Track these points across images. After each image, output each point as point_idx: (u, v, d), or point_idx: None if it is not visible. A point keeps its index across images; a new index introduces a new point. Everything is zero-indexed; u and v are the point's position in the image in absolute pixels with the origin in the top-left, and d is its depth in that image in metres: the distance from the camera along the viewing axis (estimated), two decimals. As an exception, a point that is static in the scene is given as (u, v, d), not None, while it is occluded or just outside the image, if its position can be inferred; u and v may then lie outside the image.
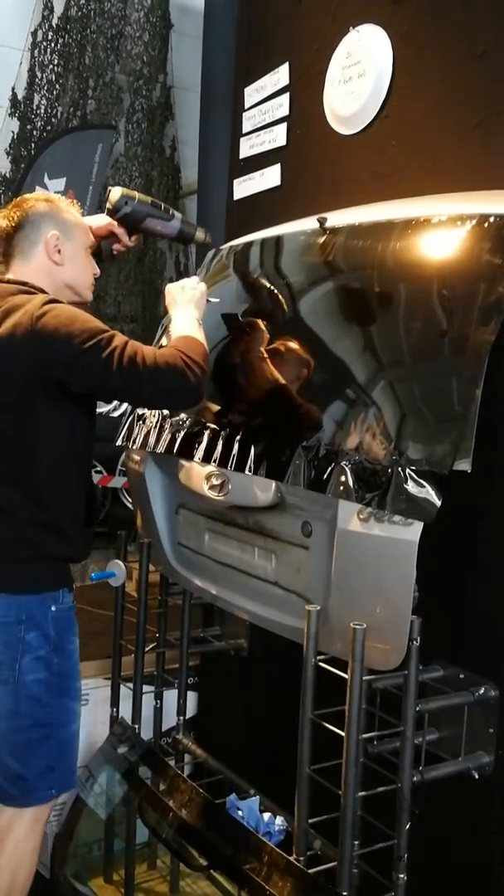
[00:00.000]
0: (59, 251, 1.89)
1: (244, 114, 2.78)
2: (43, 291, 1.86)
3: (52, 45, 6.08)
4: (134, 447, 2.30)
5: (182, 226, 2.13)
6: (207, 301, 2.03)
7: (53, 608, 1.86)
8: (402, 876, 1.59)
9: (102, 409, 5.20)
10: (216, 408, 2.05)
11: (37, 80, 6.04)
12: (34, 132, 6.02)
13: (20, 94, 5.97)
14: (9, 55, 5.93)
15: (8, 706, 1.83)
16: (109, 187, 2.15)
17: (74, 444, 1.87)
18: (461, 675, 1.74)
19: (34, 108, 6.03)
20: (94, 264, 2.01)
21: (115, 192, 2.09)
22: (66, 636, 1.89)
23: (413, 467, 1.44)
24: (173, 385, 1.74)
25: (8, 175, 5.87)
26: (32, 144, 5.93)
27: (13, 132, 5.94)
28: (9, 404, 1.79)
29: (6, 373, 1.77)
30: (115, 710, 2.61)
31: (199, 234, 2.16)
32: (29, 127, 6.00)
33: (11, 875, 1.86)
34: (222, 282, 2.33)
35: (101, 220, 2.08)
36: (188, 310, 1.95)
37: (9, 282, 1.87)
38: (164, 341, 2.11)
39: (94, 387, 1.79)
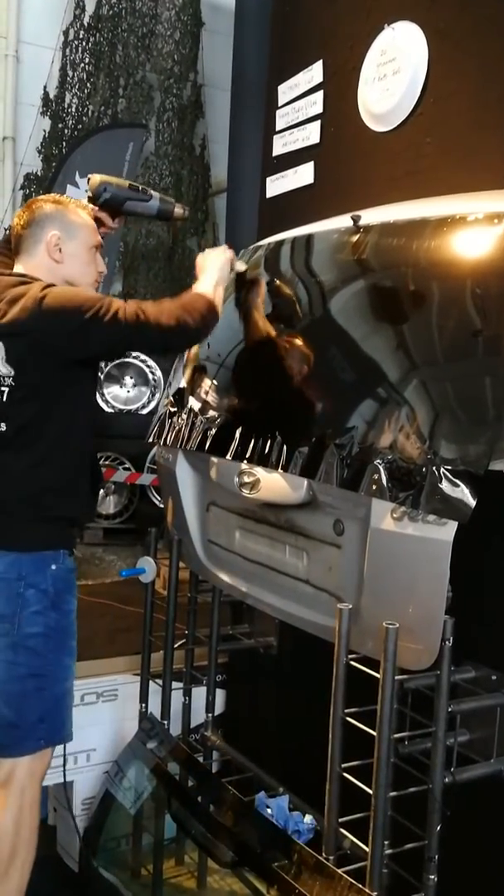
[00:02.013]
0: (59, 250, 2.04)
1: (277, 111, 2.77)
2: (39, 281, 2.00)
3: (84, 43, 6.09)
4: (165, 444, 2.31)
5: (160, 204, 2.23)
6: (232, 269, 2.15)
7: (53, 567, 1.99)
8: (432, 877, 1.59)
9: (130, 406, 5.23)
10: (248, 405, 2.05)
11: (68, 78, 6.07)
12: (65, 131, 6.05)
13: (52, 93, 6.00)
14: (41, 54, 5.97)
15: (7, 657, 1.96)
16: (89, 175, 2.22)
17: (79, 414, 2.03)
18: (493, 677, 1.73)
19: (66, 106, 6.06)
20: (100, 262, 2.14)
21: (95, 179, 2.17)
22: (64, 595, 2.02)
23: (448, 467, 1.42)
24: (174, 329, 1.90)
25: (39, 174, 5.91)
26: (64, 143, 5.96)
27: (45, 131, 5.97)
28: (19, 379, 1.93)
29: (18, 351, 1.93)
30: (144, 705, 2.63)
31: (178, 210, 2.27)
32: (60, 126, 6.04)
33: (15, 826, 1.97)
34: (254, 279, 2.32)
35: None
36: (209, 273, 2.08)
37: (10, 275, 2.04)
38: None
39: (107, 347, 1.97)
